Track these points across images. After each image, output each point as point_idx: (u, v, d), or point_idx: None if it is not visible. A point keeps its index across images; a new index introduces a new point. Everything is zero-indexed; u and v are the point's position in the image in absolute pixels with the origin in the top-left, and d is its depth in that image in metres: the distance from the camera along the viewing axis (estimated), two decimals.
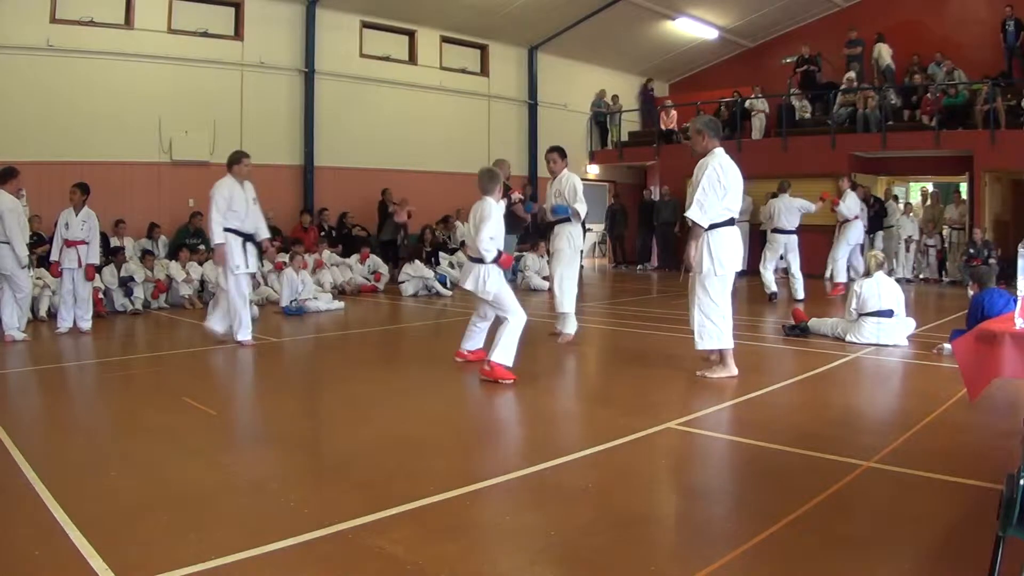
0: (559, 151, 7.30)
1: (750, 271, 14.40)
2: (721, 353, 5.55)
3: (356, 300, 10.94)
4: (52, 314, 8.77)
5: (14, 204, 7.31)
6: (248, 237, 7.05)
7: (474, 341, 6.08)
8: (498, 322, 5.66)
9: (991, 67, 13.73)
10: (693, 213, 5.29)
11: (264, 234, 7.31)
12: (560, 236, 7.13)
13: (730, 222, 5.40)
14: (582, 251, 7.28)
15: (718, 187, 5.26)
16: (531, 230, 9.51)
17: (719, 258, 5.33)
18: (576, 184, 7.06)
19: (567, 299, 7.05)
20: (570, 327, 7.07)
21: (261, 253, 7.78)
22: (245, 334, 7.00)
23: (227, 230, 6.84)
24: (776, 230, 10.43)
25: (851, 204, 10.83)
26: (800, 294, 10.17)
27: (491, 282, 5.48)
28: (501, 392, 5.23)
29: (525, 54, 16.65)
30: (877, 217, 13.26)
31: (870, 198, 13.14)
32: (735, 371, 5.48)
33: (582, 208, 6.99)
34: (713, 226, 5.31)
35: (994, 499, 2.26)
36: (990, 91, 12.88)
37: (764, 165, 14.72)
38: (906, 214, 13.62)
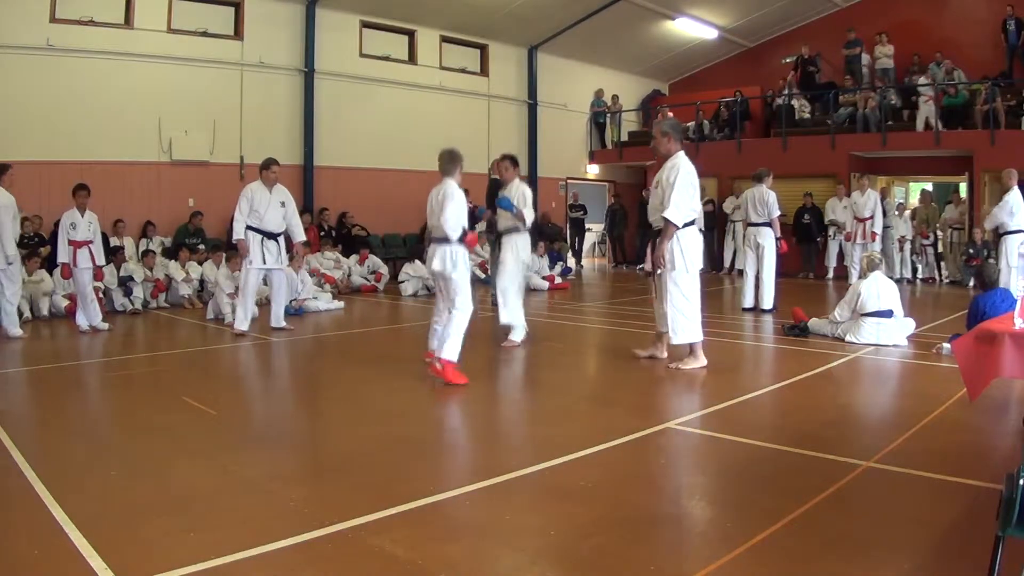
0: (511, 159, 7.21)
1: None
2: (691, 346, 5.69)
3: (354, 299, 10.94)
4: (53, 314, 8.80)
5: (8, 200, 7.31)
6: (272, 236, 7.71)
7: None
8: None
9: (991, 67, 13.73)
10: (671, 213, 5.40)
11: (297, 236, 8.01)
12: (506, 247, 6.98)
13: (692, 223, 5.55)
14: (526, 263, 7.23)
15: (691, 189, 5.42)
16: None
17: (688, 257, 5.51)
18: (526, 192, 7.03)
19: (512, 313, 6.88)
20: (517, 335, 6.90)
21: (289, 252, 8.21)
22: (242, 324, 7.59)
23: (249, 228, 7.60)
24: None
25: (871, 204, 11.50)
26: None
27: (459, 264, 5.43)
28: (500, 392, 5.24)
29: (525, 54, 16.64)
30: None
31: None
32: (704, 361, 5.67)
33: (529, 215, 6.95)
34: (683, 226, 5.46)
35: (994, 499, 2.26)
36: (990, 91, 12.88)
37: (763, 165, 14.69)
38: (899, 214, 13.61)
